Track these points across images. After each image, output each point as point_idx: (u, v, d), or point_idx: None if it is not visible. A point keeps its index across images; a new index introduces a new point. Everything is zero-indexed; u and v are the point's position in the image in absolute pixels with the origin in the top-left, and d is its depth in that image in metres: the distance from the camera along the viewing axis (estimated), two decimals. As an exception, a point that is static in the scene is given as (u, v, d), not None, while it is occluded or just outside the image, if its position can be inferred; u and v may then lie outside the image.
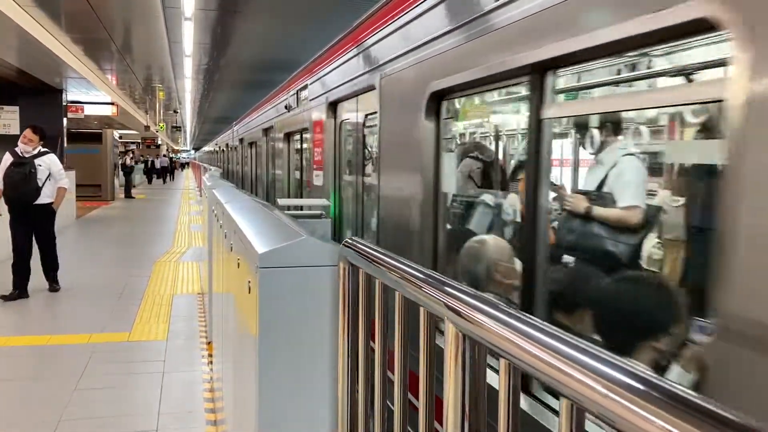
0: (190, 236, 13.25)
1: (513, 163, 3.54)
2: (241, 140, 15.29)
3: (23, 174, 7.26)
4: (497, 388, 1.04)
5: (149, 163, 38.17)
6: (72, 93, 18.16)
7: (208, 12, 10.41)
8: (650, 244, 2.67)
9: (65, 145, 17.25)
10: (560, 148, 3.56)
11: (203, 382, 4.88)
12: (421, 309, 1.38)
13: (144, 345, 5.81)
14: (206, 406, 4.43)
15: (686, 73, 2.28)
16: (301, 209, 5.09)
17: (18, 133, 16.18)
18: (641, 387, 0.73)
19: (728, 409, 0.63)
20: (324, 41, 6.05)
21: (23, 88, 16.08)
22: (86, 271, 9.37)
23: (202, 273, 8.49)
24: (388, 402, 1.64)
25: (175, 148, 74.57)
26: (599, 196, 2.78)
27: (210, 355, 5.39)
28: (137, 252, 11.21)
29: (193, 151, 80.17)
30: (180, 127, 41.27)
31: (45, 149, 7.59)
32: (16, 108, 15.98)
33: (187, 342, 5.92)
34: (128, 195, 24.32)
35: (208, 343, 5.70)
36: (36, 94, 16.28)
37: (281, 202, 3.91)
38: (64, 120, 17.41)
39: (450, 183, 3.08)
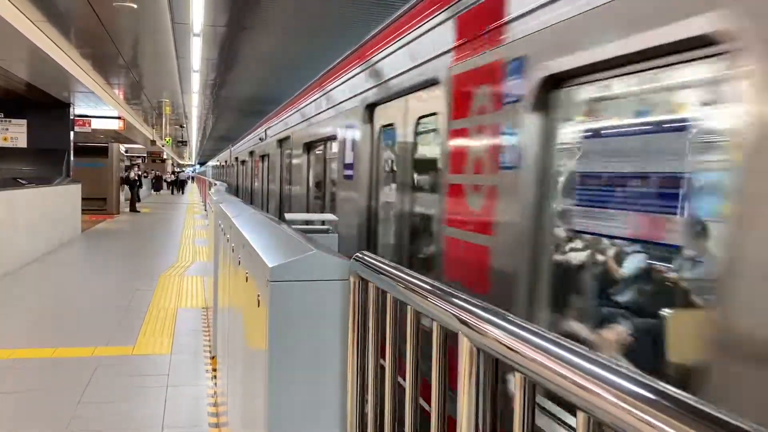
0: (195, 250, 13.27)
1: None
2: (237, 159, 19.51)
3: None
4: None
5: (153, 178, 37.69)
6: (79, 107, 18.28)
7: (216, 28, 10.50)
8: None
9: (72, 158, 17.36)
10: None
11: (207, 397, 4.87)
12: (434, 323, 1.38)
13: (148, 359, 5.81)
14: (210, 420, 4.42)
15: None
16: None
17: (26, 146, 16.41)
18: (657, 398, 0.73)
19: (743, 419, 0.64)
20: (331, 58, 6.12)
21: (31, 102, 16.17)
22: (91, 283, 9.38)
23: (206, 287, 8.49)
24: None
25: (180, 162, 74.80)
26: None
27: (214, 370, 5.38)
28: (142, 265, 11.22)
29: (198, 166, 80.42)
30: (185, 141, 41.41)
31: None
32: (24, 121, 16.05)
33: (192, 356, 5.91)
34: (133, 209, 24.36)
35: (212, 358, 5.69)
36: (44, 107, 16.37)
37: (288, 216, 3.92)
38: (71, 134, 17.51)
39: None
